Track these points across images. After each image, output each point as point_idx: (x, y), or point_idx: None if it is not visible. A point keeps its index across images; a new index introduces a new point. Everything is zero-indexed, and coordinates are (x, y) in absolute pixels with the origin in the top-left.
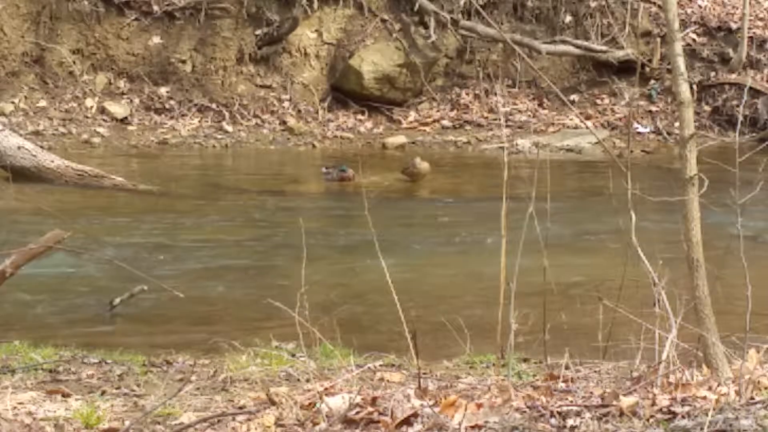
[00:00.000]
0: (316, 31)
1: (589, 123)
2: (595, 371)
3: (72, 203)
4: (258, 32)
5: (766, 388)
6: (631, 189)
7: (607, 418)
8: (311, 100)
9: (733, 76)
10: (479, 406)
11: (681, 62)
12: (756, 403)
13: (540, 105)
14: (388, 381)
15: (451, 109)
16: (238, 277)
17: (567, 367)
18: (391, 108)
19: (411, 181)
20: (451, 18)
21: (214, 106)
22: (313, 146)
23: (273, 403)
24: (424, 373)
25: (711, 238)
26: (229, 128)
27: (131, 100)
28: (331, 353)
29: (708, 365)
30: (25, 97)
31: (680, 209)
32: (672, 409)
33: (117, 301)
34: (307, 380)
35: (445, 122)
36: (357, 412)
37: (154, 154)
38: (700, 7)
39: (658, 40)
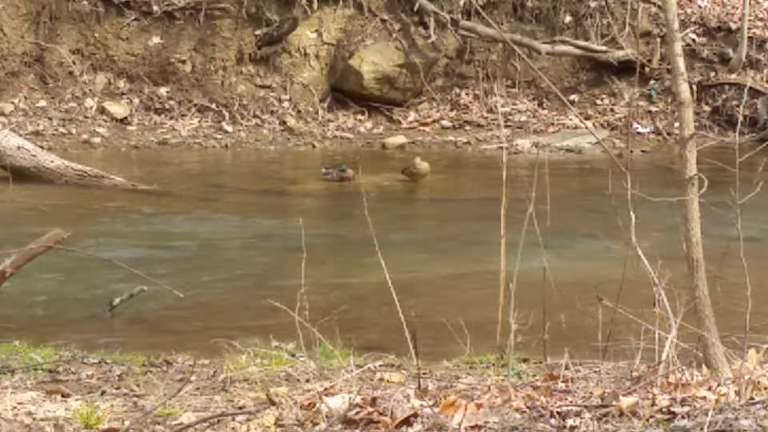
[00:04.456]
0: (316, 31)
1: (588, 123)
2: (595, 371)
3: (72, 203)
4: (258, 32)
5: (765, 388)
6: (631, 189)
7: (607, 418)
8: (311, 100)
9: (733, 76)
10: (479, 406)
11: (681, 62)
12: (756, 403)
13: (540, 105)
14: (387, 381)
15: (451, 110)
16: (238, 277)
17: (567, 367)
18: (391, 108)
19: (411, 181)
20: (451, 18)
21: (213, 106)
22: (313, 146)
23: (273, 403)
24: (424, 374)
25: (711, 238)
26: (229, 128)
27: (131, 100)
28: (331, 353)
29: (708, 365)
30: (25, 97)
31: (680, 209)
32: (672, 409)
33: (117, 301)
34: (307, 380)
35: (445, 122)
36: (357, 413)
37: (154, 154)
38: (699, 7)
39: (658, 40)
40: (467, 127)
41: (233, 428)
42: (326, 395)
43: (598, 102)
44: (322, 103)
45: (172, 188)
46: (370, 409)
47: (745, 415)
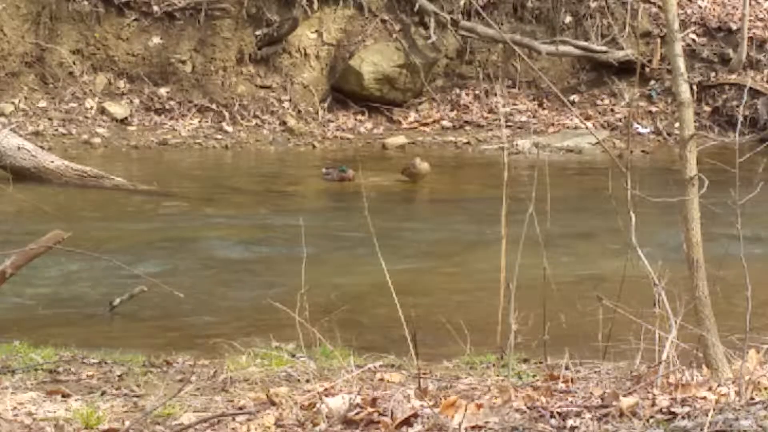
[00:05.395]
0: (316, 31)
1: (589, 123)
2: (595, 371)
3: (72, 204)
4: (258, 33)
5: (766, 389)
6: (631, 189)
7: (607, 418)
8: (311, 100)
9: (733, 76)
10: (479, 406)
11: (681, 62)
12: (756, 403)
13: (540, 105)
14: (388, 381)
15: (451, 110)
16: (238, 278)
17: (567, 368)
18: (391, 108)
19: (411, 181)
20: (451, 18)
21: (214, 106)
22: (313, 147)
23: (273, 403)
24: (424, 374)
25: (711, 239)
26: (229, 129)
27: (131, 101)
28: (331, 354)
29: (708, 366)
30: (25, 98)
31: (680, 210)
32: (672, 409)
33: (117, 301)
34: (307, 381)
35: (445, 123)
36: (357, 413)
37: (154, 154)
38: (700, 7)
39: (658, 40)
40: (467, 128)
41: (233, 428)
42: (326, 395)
43: (599, 102)
44: (323, 104)
45: (172, 188)
46: (371, 410)
47: (745, 416)
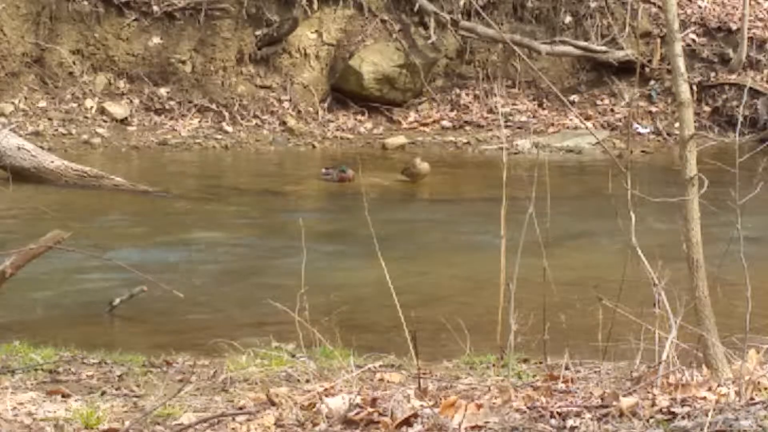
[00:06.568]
0: (316, 31)
1: (588, 123)
2: (595, 372)
3: (72, 204)
4: (258, 33)
5: (766, 389)
6: (631, 189)
7: (607, 418)
8: (311, 100)
9: (733, 76)
10: (479, 406)
11: (681, 62)
12: (756, 403)
13: (540, 105)
14: (387, 381)
15: (451, 110)
16: (238, 278)
17: (567, 368)
18: (391, 108)
19: (411, 181)
20: (451, 18)
21: (214, 106)
22: (313, 147)
23: (273, 403)
24: (424, 374)
25: (711, 239)
26: (229, 129)
27: (131, 101)
28: (331, 354)
29: (708, 366)
30: (25, 98)
31: (680, 210)
32: (672, 409)
33: (117, 301)
34: (307, 381)
35: (445, 123)
36: (357, 413)
37: (154, 154)
38: (700, 7)
39: (658, 40)
40: (467, 128)
41: (233, 428)
42: (326, 396)
43: (598, 102)
44: (322, 104)
45: (172, 188)
46: (371, 410)
47: (745, 416)
